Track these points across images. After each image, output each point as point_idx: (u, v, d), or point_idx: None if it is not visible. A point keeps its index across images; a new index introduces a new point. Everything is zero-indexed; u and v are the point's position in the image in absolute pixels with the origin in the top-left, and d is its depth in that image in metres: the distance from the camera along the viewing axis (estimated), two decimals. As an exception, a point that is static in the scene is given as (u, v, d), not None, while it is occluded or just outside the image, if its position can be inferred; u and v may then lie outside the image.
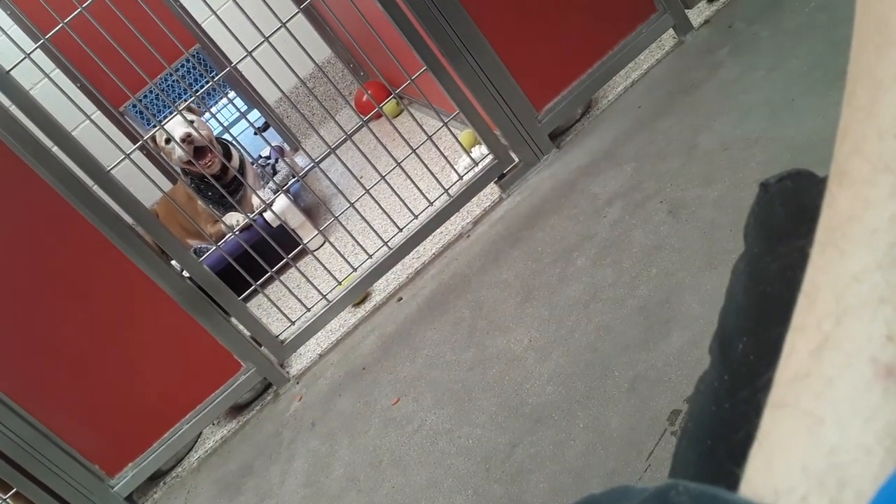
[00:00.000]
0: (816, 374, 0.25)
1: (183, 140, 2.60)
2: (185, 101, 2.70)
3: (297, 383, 2.17)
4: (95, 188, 1.88)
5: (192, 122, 2.71)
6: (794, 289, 0.28)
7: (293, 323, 2.22)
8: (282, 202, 2.76)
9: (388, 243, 2.20)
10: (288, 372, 2.21)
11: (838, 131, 0.28)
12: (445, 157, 2.23)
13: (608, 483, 1.23)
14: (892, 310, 0.24)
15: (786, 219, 0.44)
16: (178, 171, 2.83)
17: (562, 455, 1.34)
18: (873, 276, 0.25)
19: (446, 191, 2.21)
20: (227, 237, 2.19)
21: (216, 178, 2.81)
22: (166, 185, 3.48)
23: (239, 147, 3.01)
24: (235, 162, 2.91)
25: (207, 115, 3.67)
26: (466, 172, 2.28)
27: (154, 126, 2.34)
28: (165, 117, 2.89)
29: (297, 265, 2.20)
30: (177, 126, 2.66)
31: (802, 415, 0.25)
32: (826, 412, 0.24)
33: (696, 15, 2.33)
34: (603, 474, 1.25)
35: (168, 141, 2.72)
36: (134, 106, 3.57)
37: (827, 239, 0.27)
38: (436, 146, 2.19)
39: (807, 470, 0.24)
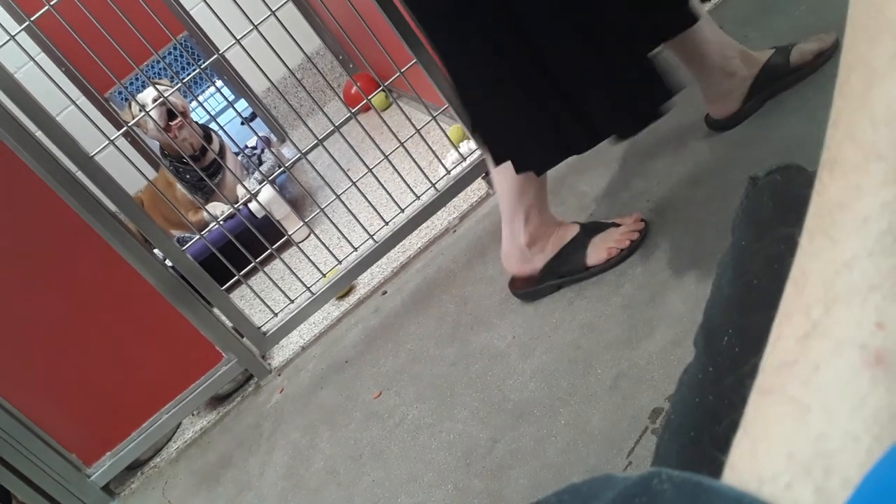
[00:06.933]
0: (804, 361, 0.25)
1: (154, 100, 2.65)
2: (167, 78, 2.71)
3: (279, 375, 2.15)
4: (79, 174, 1.86)
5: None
6: (781, 280, 0.28)
7: (276, 314, 2.21)
8: (267, 193, 2.74)
9: (374, 236, 2.19)
10: (269, 364, 2.20)
11: (830, 120, 0.28)
12: (433, 152, 2.22)
13: (588, 479, 1.23)
14: (883, 297, 0.24)
15: (774, 211, 0.44)
16: (157, 153, 2.82)
17: (543, 451, 1.34)
18: (864, 264, 0.24)
19: (433, 185, 2.20)
20: (210, 226, 2.18)
21: (194, 159, 2.79)
22: (151, 172, 3.45)
23: (221, 133, 2.99)
24: (216, 146, 2.89)
25: (194, 103, 3.64)
26: (454, 167, 2.28)
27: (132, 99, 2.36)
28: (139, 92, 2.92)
29: (282, 256, 2.18)
30: (149, 96, 2.69)
31: (789, 401, 0.25)
32: (813, 399, 0.24)
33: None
34: (583, 471, 1.25)
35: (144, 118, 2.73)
36: (120, 92, 3.53)
37: (817, 226, 0.27)
38: (424, 140, 2.18)
39: (792, 457, 0.24)
